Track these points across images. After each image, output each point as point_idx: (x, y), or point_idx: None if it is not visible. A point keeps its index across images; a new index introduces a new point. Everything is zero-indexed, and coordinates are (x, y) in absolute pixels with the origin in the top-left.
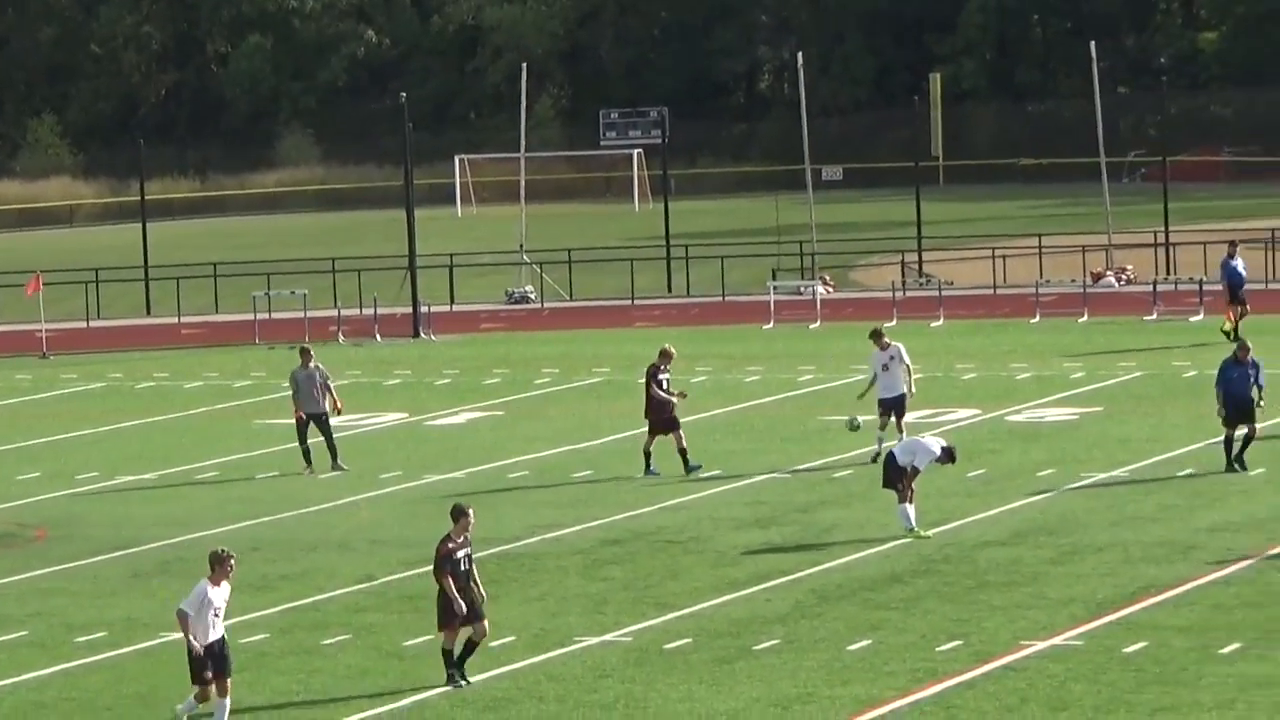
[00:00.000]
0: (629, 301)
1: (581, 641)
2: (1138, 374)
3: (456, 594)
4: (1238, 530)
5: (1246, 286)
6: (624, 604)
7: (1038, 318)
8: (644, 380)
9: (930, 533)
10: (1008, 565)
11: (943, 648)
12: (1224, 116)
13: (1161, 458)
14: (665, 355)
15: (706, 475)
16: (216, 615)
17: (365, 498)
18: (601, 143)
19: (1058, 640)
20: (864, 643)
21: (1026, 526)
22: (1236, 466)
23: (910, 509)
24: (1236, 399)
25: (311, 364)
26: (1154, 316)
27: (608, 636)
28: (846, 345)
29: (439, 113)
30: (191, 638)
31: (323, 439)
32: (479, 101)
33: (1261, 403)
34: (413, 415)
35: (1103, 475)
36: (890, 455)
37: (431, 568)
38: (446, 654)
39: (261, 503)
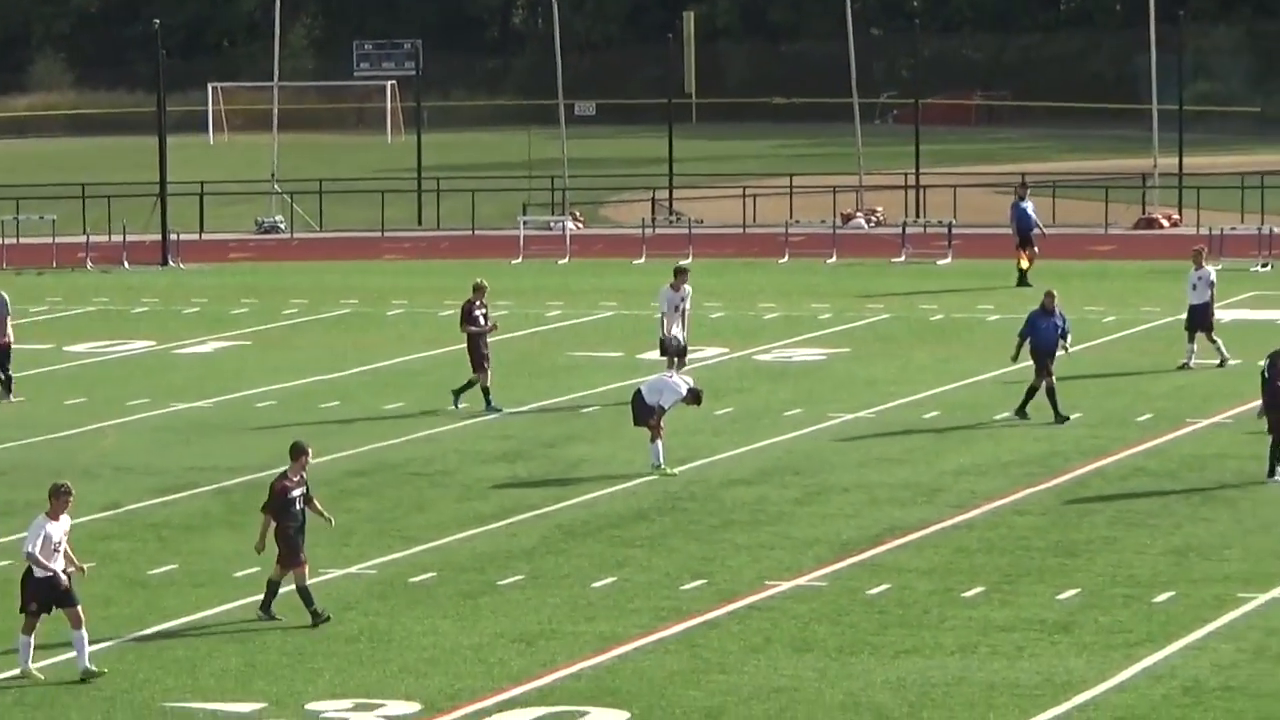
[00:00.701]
0: (379, 234)
1: (326, 574)
2: (885, 316)
3: (283, 536)
4: (982, 474)
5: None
6: (369, 536)
7: (787, 258)
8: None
9: (676, 470)
10: (753, 504)
11: (687, 586)
12: (975, 60)
13: (908, 400)
14: (479, 289)
15: (454, 409)
16: (56, 550)
17: (112, 424)
18: (355, 73)
19: (802, 580)
20: (609, 580)
21: (772, 466)
22: (1023, 414)
23: (659, 446)
24: (1042, 350)
25: None
26: (902, 259)
27: (353, 569)
28: (595, 281)
29: (192, 40)
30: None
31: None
32: (233, 29)
33: (1070, 350)
34: (160, 343)
35: (849, 416)
36: (638, 393)
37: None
38: (272, 584)
39: (6, 427)
